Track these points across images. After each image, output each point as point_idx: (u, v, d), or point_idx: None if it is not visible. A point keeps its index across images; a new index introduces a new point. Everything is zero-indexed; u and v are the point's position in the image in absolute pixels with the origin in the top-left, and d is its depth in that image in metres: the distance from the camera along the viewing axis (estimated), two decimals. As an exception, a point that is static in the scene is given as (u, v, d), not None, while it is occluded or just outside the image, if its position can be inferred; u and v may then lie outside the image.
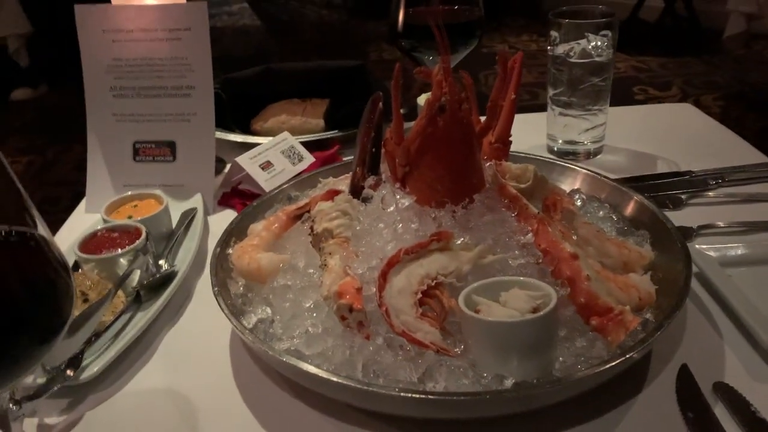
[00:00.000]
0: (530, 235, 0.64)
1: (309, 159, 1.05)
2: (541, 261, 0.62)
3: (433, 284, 0.60)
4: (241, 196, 0.97)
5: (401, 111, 0.66)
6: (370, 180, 0.71)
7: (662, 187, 0.93)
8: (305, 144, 1.07)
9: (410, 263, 0.61)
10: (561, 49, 0.98)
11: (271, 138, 1.06)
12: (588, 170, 0.84)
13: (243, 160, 0.99)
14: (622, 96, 3.61)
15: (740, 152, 1.04)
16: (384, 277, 0.60)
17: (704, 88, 3.69)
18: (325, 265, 0.64)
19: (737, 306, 0.66)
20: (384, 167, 0.73)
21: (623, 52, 4.06)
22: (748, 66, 3.94)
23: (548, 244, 0.63)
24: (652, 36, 4.25)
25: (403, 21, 0.93)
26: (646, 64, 4.01)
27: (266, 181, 0.97)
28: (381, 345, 0.58)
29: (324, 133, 1.12)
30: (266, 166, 1.01)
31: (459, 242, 0.63)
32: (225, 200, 0.98)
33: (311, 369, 0.55)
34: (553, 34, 0.98)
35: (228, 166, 1.04)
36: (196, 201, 0.93)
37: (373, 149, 0.72)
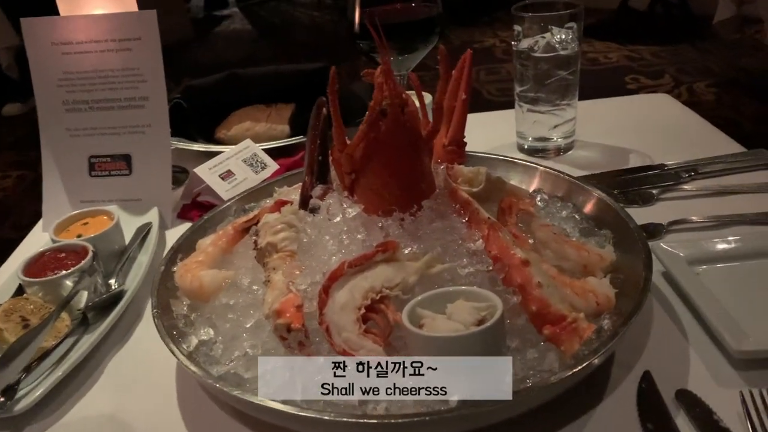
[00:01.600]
0: (480, 241, 0.61)
1: (273, 166, 1.02)
2: (491, 268, 0.59)
3: (377, 298, 0.57)
4: (200, 209, 0.94)
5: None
6: (318, 189, 0.68)
7: (633, 183, 0.90)
8: (270, 151, 1.04)
9: (354, 276, 0.58)
10: (525, 44, 0.95)
11: (233, 146, 1.03)
12: (550, 169, 0.81)
13: (202, 170, 0.96)
14: (614, 86, 3.57)
15: (715, 143, 1.00)
16: (326, 292, 0.57)
17: (697, 75, 3.65)
18: (269, 281, 0.62)
19: (703, 307, 0.63)
20: (334, 175, 0.71)
21: (615, 42, 4.02)
22: (742, 51, 3.90)
23: (499, 251, 0.60)
24: (643, 24, 4.21)
25: (359, 22, 0.90)
26: (638, 53, 3.97)
27: (226, 192, 0.95)
28: (323, 364, 0.55)
29: (289, 140, 1.09)
30: (227, 175, 0.98)
31: (406, 252, 0.60)
32: (185, 213, 0.95)
33: (241, 395, 0.52)
34: (517, 28, 0.95)
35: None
36: (153, 215, 0.90)
37: (320, 157, 0.69)
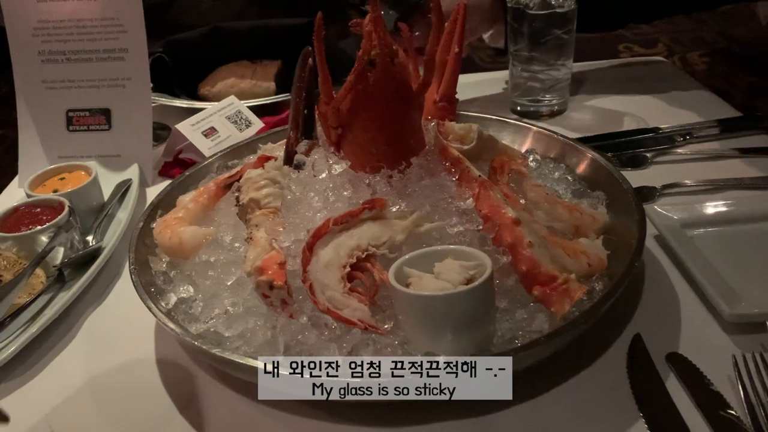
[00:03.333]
0: (471, 200, 0.59)
1: (258, 124, 0.99)
2: (481, 228, 0.58)
3: (363, 256, 0.55)
4: (183, 166, 0.91)
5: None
6: (304, 145, 0.66)
7: (627, 145, 0.88)
8: (255, 108, 1.01)
9: (339, 234, 0.56)
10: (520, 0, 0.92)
11: (216, 103, 1.00)
12: (543, 129, 0.79)
13: (184, 127, 0.93)
14: (607, 54, 3.54)
15: (711, 107, 0.98)
16: (310, 249, 0.55)
17: (690, 45, 3.60)
18: (251, 238, 0.59)
19: (695, 270, 0.62)
20: (320, 130, 0.68)
21: (609, 10, 3.96)
22: (735, 21, 3.85)
23: (489, 210, 0.58)
24: (638, -8, 4.14)
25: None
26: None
27: (209, 149, 0.92)
28: (305, 324, 0.53)
29: (275, 97, 1.06)
30: (210, 132, 0.95)
31: (394, 210, 0.58)
32: (166, 170, 0.92)
33: (221, 353, 0.50)
34: (512, -17, 0.92)
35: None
36: (133, 172, 0.87)
37: (305, 111, 0.67)
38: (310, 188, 0.61)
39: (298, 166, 0.64)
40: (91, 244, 0.74)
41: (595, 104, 1.01)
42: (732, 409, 0.50)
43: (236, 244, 0.62)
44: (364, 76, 0.59)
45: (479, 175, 0.60)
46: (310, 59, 0.65)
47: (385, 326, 0.53)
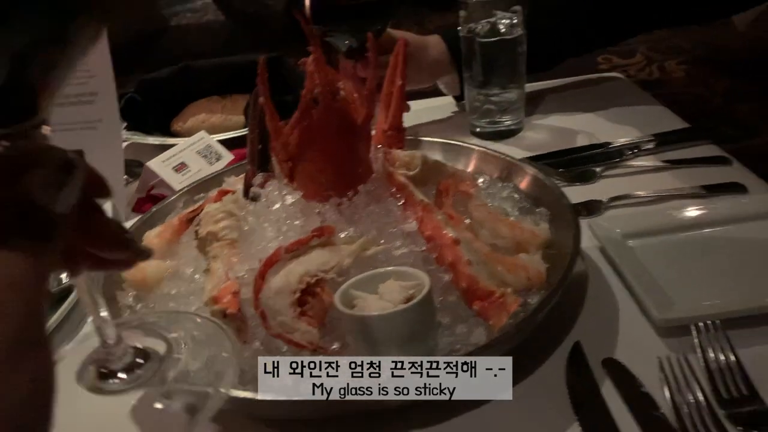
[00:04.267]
0: (414, 222, 0.63)
1: (228, 157, 1.03)
2: (424, 248, 0.61)
3: (313, 281, 0.59)
4: (154, 201, 0.95)
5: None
6: (260, 177, 0.70)
7: (578, 161, 0.92)
8: (225, 142, 1.05)
9: (290, 261, 0.60)
10: (469, 28, 0.96)
11: (187, 138, 1.04)
12: (492, 150, 0.83)
13: (155, 163, 0.97)
14: (586, 66, 3.60)
15: (662, 120, 1.02)
16: (262, 277, 0.59)
17: (669, 53, 3.67)
18: (209, 269, 0.63)
19: (632, 278, 0.65)
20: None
21: (587, 23, 4.04)
22: (711, 28, 3.92)
23: (432, 231, 0.61)
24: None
25: (310, 5, 0.90)
26: (610, 32, 3.98)
27: (180, 184, 0.95)
28: (258, 348, 0.57)
29: (244, 130, 1.10)
30: (180, 168, 0.99)
31: (343, 236, 0.62)
32: (139, 206, 0.96)
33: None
34: (462, 13, 0.96)
35: (146, 171, 1.02)
36: (107, 210, 0.91)
37: (260, 146, 0.71)
38: (265, 219, 0.65)
39: (254, 198, 0.68)
40: (64, 281, 0.77)
41: (551, 122, 1.06)
42: (659, 410, 0.53)
43: (196, 276, 0.65)
44: (308, 113, 0.63)
45: (422, 199, 0.64)
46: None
47: (333, 346, 0.56)
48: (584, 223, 0.75)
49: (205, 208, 0.68)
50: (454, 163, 0.79)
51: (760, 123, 2.81)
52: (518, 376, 0.59)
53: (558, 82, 1.21)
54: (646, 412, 0.53)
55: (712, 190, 0.80)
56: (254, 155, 0.71)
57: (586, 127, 1.02)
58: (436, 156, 0.79)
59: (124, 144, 1.11)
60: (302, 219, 0.64)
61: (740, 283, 0.64)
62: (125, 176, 0.99)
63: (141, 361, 0.36)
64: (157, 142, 1.09)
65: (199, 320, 0.43)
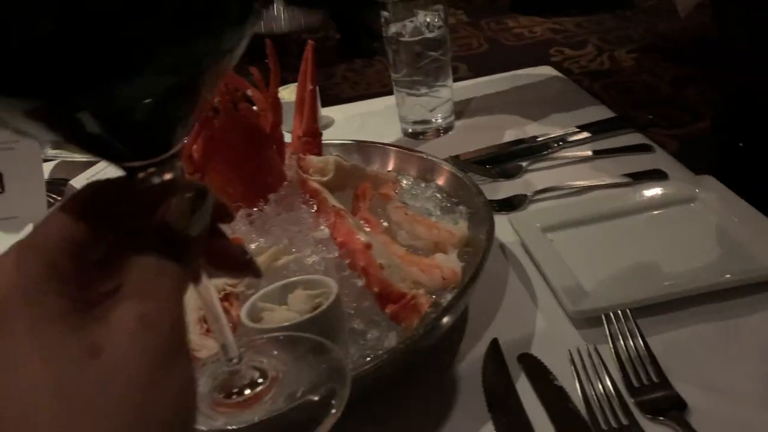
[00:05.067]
0: (326, 229, 0.62)
1: (157, 171, 1.01)
2: (337, 254, 0.61)
3: (221, 296, 0.58)
4: (80, 221, 0.92)
5: None
6: (170, 192, 0.68)
7: (505, 157, 0.92)
8: (155, 156, 1.03)
9: (198, 276, 0.59)
10: (393, 29, 0.96)
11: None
12: (414, 151, 0.83)
13: (79, 181, 0.95)
14: (539, 59, 3.64)
15: (590, 111, 1.03)
16: (169, 294, 0.57)
17: (618, 42, 3.74)
18: (119, 288, 0.61)
19: (549, 272, 0.65)
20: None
21: (539, 16, 4.09)
22: (659, 17, 4.01)
23: (344, 237, 0.61)
24: (566, -5, 4.29)
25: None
26: (561, 24, 4.05)
27: (106, 201, 0.93)
28: (166, 367, 0.55)
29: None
30: (108, 185, 0.96)
31: (253, 247, 0.61)
32: (64, 227, 0.93)
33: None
34: (384, 14, 0.96)
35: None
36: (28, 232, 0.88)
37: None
38: (175, 234, 0.64)
39: (166, 214, 0.67)
40: None
41: (481, 119, 1.06)
42: (571, 402, 0.53)
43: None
44: (209, 124, 0.62)
45: (335, 205, 0.64)
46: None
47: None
48: (506, 218, 0.76)
49: (116, 226, 0.66)
50: (376, 165, 0.79)
51: (707, 107, 2.87)
52: (435, 376, 0.59)
53: (487, 78, 1.22)
54: (558, 406, 0.53)
55: (634, 179, 0.81)
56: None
57: (516, 122, 1.03)
58: (357, 159, 0.79)
59: (53, 163, 1.08)
60: (212, 232, 0.62)
61: (652, 270, 0.65)
62: (53, 195, 0.96)
63: (261, 380, 0.36)
64: (84, 159, 1.06)
65: (306, 336, 0.43)
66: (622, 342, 0.57)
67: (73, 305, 0.25)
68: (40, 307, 0.24)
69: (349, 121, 1.13)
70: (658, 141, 0.94)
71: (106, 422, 0.23)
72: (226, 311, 0.57)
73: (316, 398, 0.36)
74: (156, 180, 0.28)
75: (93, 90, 0.23)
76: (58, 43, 0.21)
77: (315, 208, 0.64)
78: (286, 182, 0.66)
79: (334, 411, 0.35)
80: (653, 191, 0.76)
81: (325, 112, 1.16)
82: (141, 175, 0.28)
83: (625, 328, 0.57)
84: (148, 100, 0.25)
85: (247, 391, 0.35)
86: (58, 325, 0.24)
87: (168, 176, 0.29)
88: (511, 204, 0.80)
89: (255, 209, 0.63)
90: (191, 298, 0.56)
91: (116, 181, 0.29)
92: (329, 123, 1.14)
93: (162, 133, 0.27)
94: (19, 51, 0.21)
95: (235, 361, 0.36)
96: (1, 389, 0.23)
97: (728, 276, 0.59)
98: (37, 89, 0.23)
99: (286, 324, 0.52)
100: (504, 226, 0.75)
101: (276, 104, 0.63)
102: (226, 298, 0.58)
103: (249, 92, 0.69)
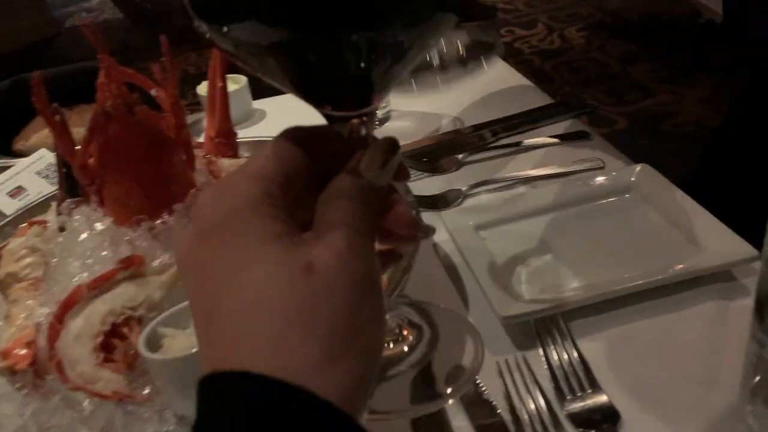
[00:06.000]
0: (237, 241, 0.57)
1: (73, 176, 0.94)
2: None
3: (120, 321, 0.53)
4: (-14, 234, 0.85)
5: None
6: (66, 204, 0.62)
7: (441, 149, 0.88)
8: (71, 159, 0.96)
9: (93, 301, 0.53)
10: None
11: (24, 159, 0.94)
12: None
13: (-14, 189, 0.87)
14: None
15: (531, 98, 1.00)
16: (59, 321, 0.52)
17: (568, 21, 3.74)
18: (9, 316, 0.56)
19: (480, 274, 0.62)
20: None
21: (491, -2, 4.07)
22: (607, -7, 4.02)
23: (256, 249, 0.56)
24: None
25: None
26: (512, 4, 4.03)
27: (15, 210, 0.86)
28: (58, 404, 0.50)
29: (92, 143, 1.01)
30: (17, 192, 0.89)
31: (156, 264, 0.56)
32: (-31, 241, 0.86)
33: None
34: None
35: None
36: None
37: (64, 169, 0.63)
38: (71, 252, 0.58)
39: (62, 228, 0.61)
40: None
41: (418, 110, 1.02)
42: (499, 417, 0.50)
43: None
44: (103, 130, 0.56)
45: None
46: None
47: (144, 392, 0.50)
48: (440, 216, 0.72)
49: (8, 245, 0.60)
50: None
51: (655, 84, 2.89)
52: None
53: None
54: (485, 421, 0.50)
55: (569, 168, 0.78)
56: (61, 179, 0.64)
57: (452, 112, 0.99)
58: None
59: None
60: (111, 249, 0.57)
61: (586, 268, 0.62)
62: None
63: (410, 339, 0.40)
64: (-4, 164, 0.98)
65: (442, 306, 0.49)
66: (553, 349, 0.54)
67: (286, 228, 0.28)
68: (262, 227, 0.28)
69: (283, 114, 1.08)
70: (607, 118, 0.92)
71: (316, 333, 0.26)
72: (124, 337, 0.52)
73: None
74: (353, 132, 0.32)
75: (347, 30, 0.28)
76: None
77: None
78: (194, 190, 0.60)
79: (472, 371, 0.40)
80: (588, 182, 0.73)
81: (257, 104, 1.10)
82: (340, 126, 0.32)
83: (557, 334, 0.54)
84: (368, 60, 0.29)
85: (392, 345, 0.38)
86: (278, 242, 0.27)
87: (364, 130, 0.33)
88: (446, 200, 0.76)
89: (159, 221, 0.58)
90: (85, 327, 0.51)
91: (320, 128, 0.32)
92: (261, 116, 1.08)
93: (368, 88, 0.31)
94: None
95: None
96: (233, 287, 0.27)
97: (660, 276, 0.56)
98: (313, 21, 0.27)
99: (178, 356, 0.47)
100: (438, 224, 0.71)
101: (177, 105, 0.58)
102: (125, 322, 0.53)
103: (153, 92, 0.63)
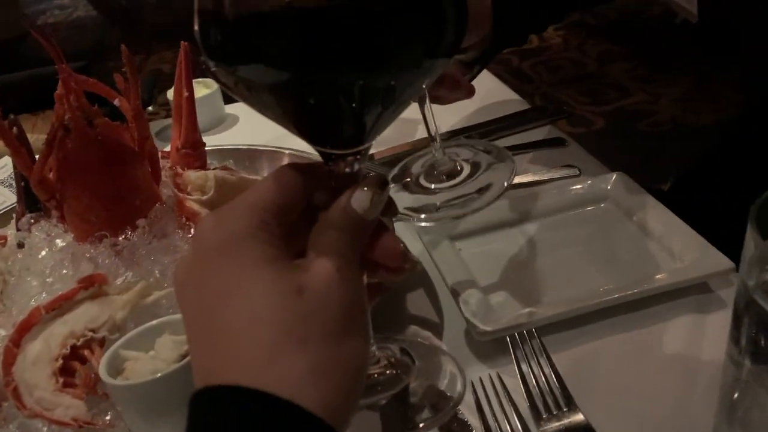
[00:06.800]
0: (204, 257, 0.55)
1: (38, 184, 0.91)
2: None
3: (81, 343, 0.51)
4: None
5: None
6: (25, 220, 0.60)
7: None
8: (36, 167, 0.93)
9: (52, 322, 0.51)
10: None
11: (-12, 167, 0.91)
12: (305, 153, 0.76)
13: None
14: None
15: (507, 104, 0.99)
16: (16, 345, 0.50)
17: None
18: (-37, 338, 0.53)
19: (456, 288, 0.61)
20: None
21: None
22: (583, -8, 4.03)
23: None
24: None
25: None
26: (492, 6, 4.02)
27: (-24, 222, 0.83)
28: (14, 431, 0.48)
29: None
30: (-22, 203, 0.86)
31: (119, 282, 0.54)
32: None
33: None
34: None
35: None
36: None
37: (22, 183, 0.61)
38: (30, 270, 0.56)
39: (20, 245, 0.58)
40: None
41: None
42: (473, 438, 0.49)
43: (-45, 346, 0.55)
44: (62, 144, 0.54)
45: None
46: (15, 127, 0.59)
47: (106, 418, 0.48)
48: (414, 227, 0.71)
49: (-35, 262, 0.58)
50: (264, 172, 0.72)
51: (632, 83, 2.91)
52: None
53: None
54: (460, 443, 0.49)
55: (545, 176, 0.78)
56: (20, 193, 0.61)
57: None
58: (249, 167, 0.72)
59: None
60: (72, 266, 0.55)
61: (561, 281, 0.61)
62: None
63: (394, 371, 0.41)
64: None
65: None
66: (528, 365, 0.53)
67: (280, 253, 0.30)
68: (259, 250, 0.30)
69: (255, 119, 1.05)
70: (585, 119, 0.91)
71: (306, 350, 0.28)
72: (85, 360, 0.50)
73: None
74: (346, 168, 0.34)
75: (344, 79, 0.30)
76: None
77: (192, 232, 0.57)
78: (159, 204, 0.58)
79: (450, 407, 0.41)
80: (564, 191, 0.72)
81: (230, 109, 1.08)
82: (334, 163, 0.34)
83: (532, 350, 0.53)
84: (364, 103, 0.31)
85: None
86: (271, 266, 0.29)
87: (356, 166, 0.34)
88: (419, 209, 0.75)
89: (122, 238, 0.56)
90: (44, 350, 0.49)
91: (315, 165, 0.34)
92: (234, 121, 1.06)
93: (362, 129, 0.33)
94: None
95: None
96: (227, 306, 0.29)
97: (636, 290, 0.55)
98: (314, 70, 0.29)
99: (150, 379, 0.45)
100: (413, 234, 0.70)
101: (139, 116, 0.56)
102: (86, 345, 0.50)
103: (116, 102, 0.61)
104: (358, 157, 0.34)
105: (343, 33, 0.28)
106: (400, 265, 0.34)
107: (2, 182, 0.90)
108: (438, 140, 0.59)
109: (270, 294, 0.28)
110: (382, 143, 0.91)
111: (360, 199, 0.32)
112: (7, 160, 0.93)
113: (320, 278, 0.29)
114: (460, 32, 0.32)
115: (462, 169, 0.57)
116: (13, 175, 0.91)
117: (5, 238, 0.61)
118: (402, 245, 0.34)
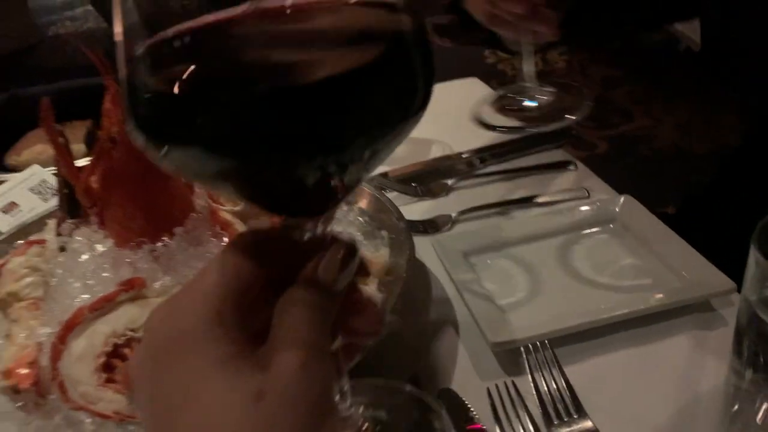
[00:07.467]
0: (236, 265, 0.58)
1: (66, 192, 0.94)
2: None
3: (122, 342, 0.54)
4: (-22, 249, 0.85)
5: None
6: (67, 225, 0.63)
7: (430, 174, 0.90)
8: (64, 175, 0.96)
9: (94, 322, 0.54)
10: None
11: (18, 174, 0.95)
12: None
13: (-20, 204, 0.88)
14: (473, 61, 3.67)
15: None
16: (62, 342, 0.53)
17: (550, 44, 3.81)
18: (9, 335, 0.56)
19: (470, 300, 0.64)
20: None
21: (474, 18, 4.13)
22: (587, 18, 4.10)
23: (255, 273, 0.57)
24: (498, -2, 4.33)
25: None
26: (495, 27, 4.08)
27: (9, 226, 0.86)
28: (59, 423, 0.51)
29: (85, 159, 1.01)
30: (9, 208, 0.90)
31: (157, 286, 0.57)
32: (-40, 256, 0.86)
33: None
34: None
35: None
36: None
37: (65, 190, 0.64)
38: (72, 272, 0.59)
39: (62, 249, 0.62)
40: None
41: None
42: (489, 441, 0.52)
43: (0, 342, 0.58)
44: (108, 155, 0.57)
45: (246, 238, 0.60)
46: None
47: (145, 413, 0.51)
48: (430, 241, 0.74)
49: (8, 263, 0.61)
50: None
51: (635, 107, 2.96)
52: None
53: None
54: (477, 446, 0.52)
55: (555, 197, 0.81)
56: (63, 200, 0.65)
57: (441, 137, 1.01)
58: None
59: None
60: (112, 270, 0.58)
61: (572, 296, 0.64)
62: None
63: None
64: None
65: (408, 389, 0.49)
66: (541, 374, 0.56)
67: (237, 349, 0.28)
68: (212, 351, 0.27)
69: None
70: (589, 142, 0.95)
71: None
72: (126, 358, 0.53)
73: None
74: (310, 234, 0.30)
75: (295, 162, 0.27)
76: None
77: (226, 241, 0.61)
78: (194, 214, 0.62)
79: None
80: (574, 211, 0.76)
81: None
82: (296, 229, 0.30)
83: (545, 360, 0.56)
84: (328, 173, 0.28)
85: None
86: (227, 368, 0.27)
87: (321, 231, 0.30)
88: (435, 225, 0.79)
89: (159, 244, 0.59)
90: (88, 348, 0.52)
91: (273, 232, 0.31)
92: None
93: (326, 196, 0.29)
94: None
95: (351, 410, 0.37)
96: (183, 413, 0.26)
97: (643, 306, 0.59)
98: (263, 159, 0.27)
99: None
100: (428, 248, 0.73)
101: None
102: (126, 344, 0.54)
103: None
104: (322, 222, 0.30)
105: (313, 114, 0.25)
106: (378, 330, 0.32)
107: (32, 189, 0.93)
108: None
109: (226, 402, 0.26)
110: (396, 162, 0.95)
111: (328, 268, 0.29)
112: (36, 169, 0.96)
113: (282, 379, 0.27)
114: (428, 87, 0.30)
115: None
116: (41, 183, 0.95)
117: (44, 242, 0.65)
118: (379, 307, 0.33)
